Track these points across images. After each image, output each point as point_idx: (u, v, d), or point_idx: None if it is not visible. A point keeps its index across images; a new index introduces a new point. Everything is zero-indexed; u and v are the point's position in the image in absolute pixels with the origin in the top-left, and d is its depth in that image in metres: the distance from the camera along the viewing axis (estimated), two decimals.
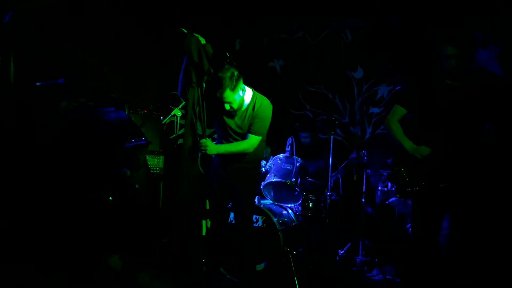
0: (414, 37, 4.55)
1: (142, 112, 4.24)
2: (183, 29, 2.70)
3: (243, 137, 2.96)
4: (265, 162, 4.09)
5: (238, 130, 2.96)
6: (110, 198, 3.34)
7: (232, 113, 2.94)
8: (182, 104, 4.59)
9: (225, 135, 3.01)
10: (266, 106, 2.94)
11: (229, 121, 2.97)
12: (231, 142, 2.99)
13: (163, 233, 4.55)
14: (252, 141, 2.92)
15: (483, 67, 4.04)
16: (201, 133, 2.89)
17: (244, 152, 2.95)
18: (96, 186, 3.33)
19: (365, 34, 4.91)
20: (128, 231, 3.22)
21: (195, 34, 2.78)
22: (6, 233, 3.32)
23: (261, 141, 2.99)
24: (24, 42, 3.97)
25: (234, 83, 2.76)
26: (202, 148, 2.85)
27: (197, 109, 2.84)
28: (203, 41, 2.81)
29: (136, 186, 3.45)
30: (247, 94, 2.95)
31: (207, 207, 2.71)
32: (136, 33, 5.13)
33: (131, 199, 3.42)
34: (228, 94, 2.78)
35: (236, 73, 2.78)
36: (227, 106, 2.84)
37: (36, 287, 2.96)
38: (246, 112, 2.94)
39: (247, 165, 3.00)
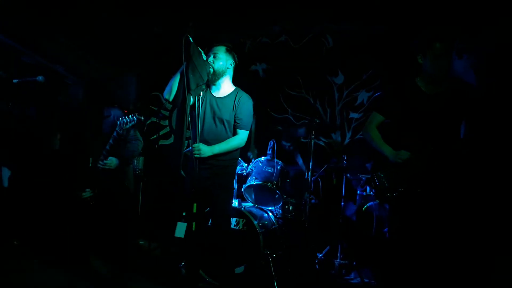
0: (394, 44, 4.64)
1: (123, 112, 4.19)
2: (190, 37, 2.73)
3: (222, 133, 3.00)
4: (246, 164, 4.09)
5: (218, 124, 3.01)
6: (87, 194, 3.32)
7: (213, 106, 3.01)
8: (164, 104, 4.54)
9: (205, 134, 3.02)
10: (247, 98, 3.09)
11: (209, 118, 3.01)
12: (212, 141, 2.99)
13: (141, 234, 4.50)
14: (242, 136, 3.03)
15: (459, 77, 4.16)
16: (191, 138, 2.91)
17: (236, 148, 3.04)
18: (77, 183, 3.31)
19: (346, 40, 4.99)
20: (111, 232, 3.20)
21: (199, 48, 2.87)
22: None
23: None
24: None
25: (230, 50, 3.07)
26: (196, 152, 2.85)
27: (188, 114, 2.88)
28: (204, 57, 2.93)
29: (126, 183, 3.47)
30: (230, 84, 3.12)
31: (194, 210, 2.70)
32: (116, 30, 5.05)
33: (121, 198, 3.42)
34: (221, 50, 3.02)
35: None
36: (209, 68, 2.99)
37: None
38: (228, 99, 3.04)
39: (224, 162, 3.02)
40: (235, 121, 3.02)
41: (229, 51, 3.09)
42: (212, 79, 3.03)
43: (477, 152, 3.09)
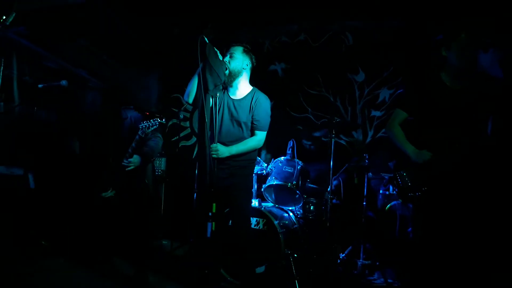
0: (415, 40, 4.55)
1: (144, 114, 4.25)
2: (205, 38, 2.74)
3: (240, 135, 3.01)
4: (266, 164, 4.09)
5: (235, 126, 3.02)
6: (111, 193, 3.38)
7: (230, 108, 3.02)
8: (184, 106, 4.56)
9: (223, 136, 3.03)
10: (264, 98, 3.08)
11: (226, 120, 3.03)
12: (230, 142, 3.00)
13: (163, 234, 4.57)
14: (260, 137, 3.05)
15: (485, 71, 4.04)
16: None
17: (254, 149, 3.06)
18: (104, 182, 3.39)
19: (366, 37, 4.92)
20: (133, 231, 3.26)
21: (215, 48, 2.89)
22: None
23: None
24: (24, 42, 3.98)
25: (248, 51, 3.08)
26: (213, 152, 2.87)
27: (207, 114, 2.89)
28: (221, 57, 2.94)
29: (146, 181, 3.51)
30: (247, 85, 3.12)
31: (214, 210, 2.71)
32: (137, 33, 5.13)
33: (141, 196, 3.48)
34: (238, 51, 3.04)
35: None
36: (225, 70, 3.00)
37: None
38: (245, 101, 3.05)
39: (241, 163, 3.02)
40: (252, 123, 3.02)
41: (246, 52, 3.09)
42: (228, 80, 3.04)
43: (505, 149, 2.99)
